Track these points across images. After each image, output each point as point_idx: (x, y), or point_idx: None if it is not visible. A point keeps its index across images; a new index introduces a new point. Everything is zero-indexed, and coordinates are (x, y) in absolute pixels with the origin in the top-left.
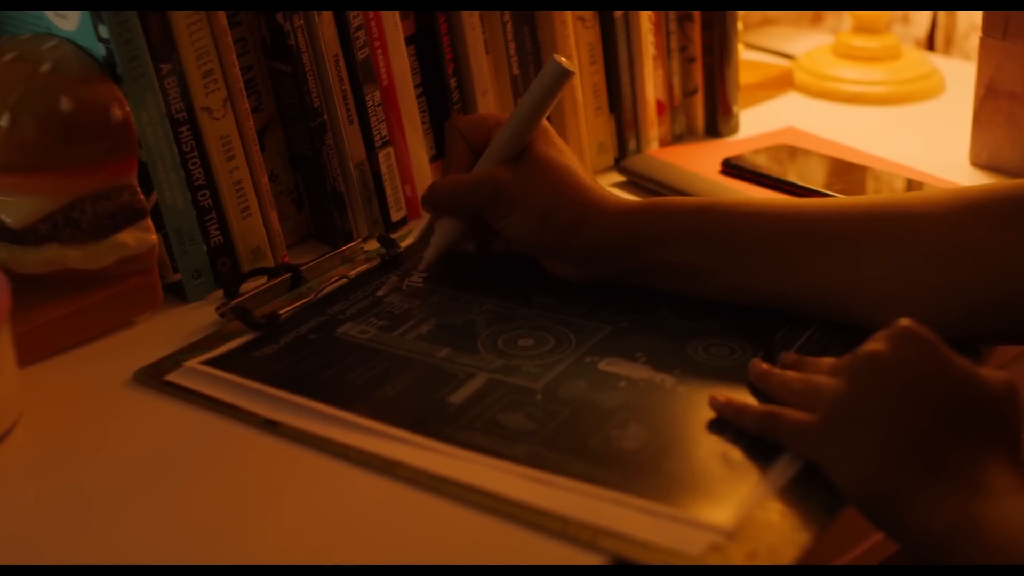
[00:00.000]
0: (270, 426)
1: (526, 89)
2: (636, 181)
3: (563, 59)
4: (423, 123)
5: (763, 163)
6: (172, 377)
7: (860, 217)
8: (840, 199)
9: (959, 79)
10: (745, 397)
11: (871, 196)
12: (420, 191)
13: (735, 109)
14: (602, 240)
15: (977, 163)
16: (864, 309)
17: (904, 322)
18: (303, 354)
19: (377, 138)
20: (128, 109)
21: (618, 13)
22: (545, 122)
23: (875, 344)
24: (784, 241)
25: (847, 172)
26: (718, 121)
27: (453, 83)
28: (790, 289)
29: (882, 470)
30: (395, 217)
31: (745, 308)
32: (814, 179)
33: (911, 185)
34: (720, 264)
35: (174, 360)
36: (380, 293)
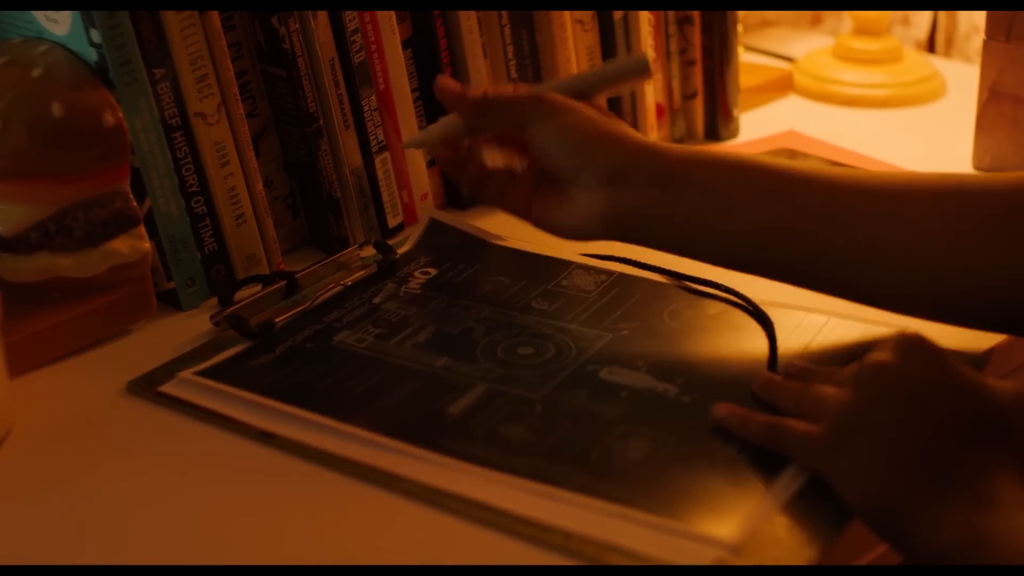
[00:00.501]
0: (266, 438)
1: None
2: None
3: (647, 57)
4: (420, 127)
5: None
6: (166, 388)
7: (912, 182)
8: (887, 171)
9: (961, 82)
10: (749, 407)
11: (915, 172)
12: (417, 197)
13: (735, 113)
14: (638, 157)
15: (980, 167)
16: (912, 276)
17: (910, 332)
18: (299, 364)
19: (373, 143)
20: (121, 115)
21: (617, 15)
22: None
23: (881, 354)
24: (828, 195)
25: None
26: (718, 125)
27: None
28: (828, 243)
29: (889, 483)
30: (392, 223)
31: (750, 315)
32: None
33: None
34: (758, 206)
35: (168, 370)
36: (377, 300)
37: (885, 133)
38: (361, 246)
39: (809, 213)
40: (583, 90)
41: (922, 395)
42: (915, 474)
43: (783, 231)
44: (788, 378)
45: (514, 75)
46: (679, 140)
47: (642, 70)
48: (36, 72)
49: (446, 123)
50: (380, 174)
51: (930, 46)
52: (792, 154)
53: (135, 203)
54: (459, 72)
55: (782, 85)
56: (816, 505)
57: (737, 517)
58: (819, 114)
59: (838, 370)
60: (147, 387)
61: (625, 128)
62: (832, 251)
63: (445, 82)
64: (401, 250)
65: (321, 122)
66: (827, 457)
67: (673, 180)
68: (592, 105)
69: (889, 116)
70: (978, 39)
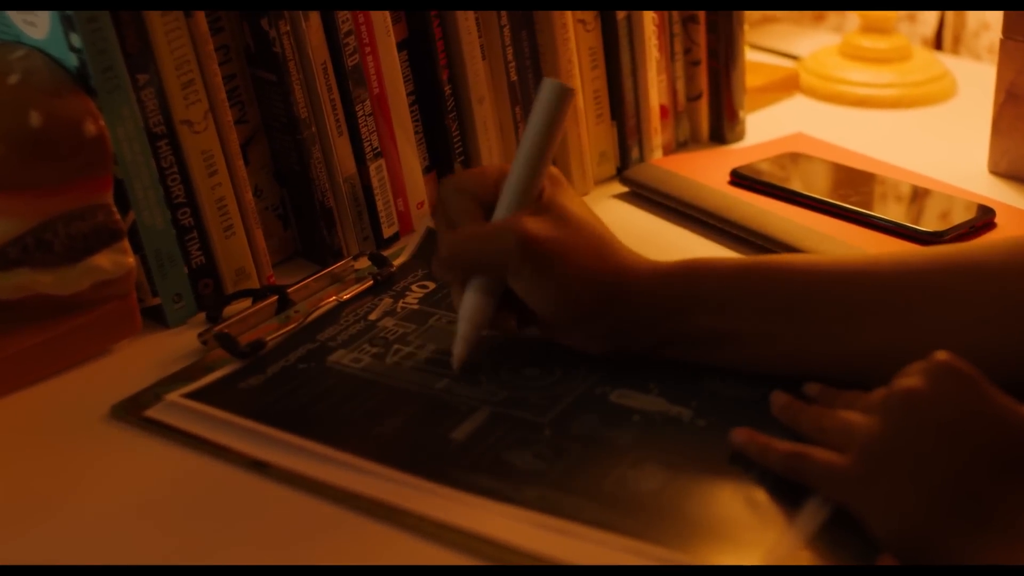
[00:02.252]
0: (259, 467)
1: (526, 111)
2: (640, 192)
3: (554, 79)
4: (416, 133)
5: (774, 173)
6: (152, 412)
7: (919, 271)
8: (892, 253)
9: (971, 81)
10: (768, 432)
11: (925, 248)
12: (413, 205)
13: (741, 115)
14: (643, 304)
15: (996, 171)
16: None
17: (942, 355)
18: (292, 386)
19: (368, 150)
20: (102, 123)
21: (621, 15)
22: (554, 168)
23: (911, 379)
24: (841, 298)
25: (862, 183)
26: (723, 127)
27: (448, 90)
28: (852, 351)
29: (921, 518)
30: (387, 233)
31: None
32: (828, 190)
33: (917, 192)
34: (765, 328)
35: (154, 393)
36: (373, 317)
37: (895, 135)
38: (355, 258)
39: (824, 325)
40: (538, 165)
41: (955, 424)
42: (949, 509)
43: (795, 351)
44: (807, 399)
45: (514, 77)
46: (683, 143)
47: (562, 94)
48: (13, 79)
49: (470, 313)
50: (375, 182)
51: (937, 43)
52: (802, 159)
53: (118, 216)
54: (457, 75)
55: (787, 85)
56: (841, 540)
57: (759, 552)
58: (826, 115)
59: (863, 394)
60: (131, 411)
61: (614, 262)
62: (840, 359)
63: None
64: (397, 262)
65: (313, 128)
66: (854, 489)
67: (668, 322)
68: (574, 219)
69: (899, 117)
70: (987, 36)
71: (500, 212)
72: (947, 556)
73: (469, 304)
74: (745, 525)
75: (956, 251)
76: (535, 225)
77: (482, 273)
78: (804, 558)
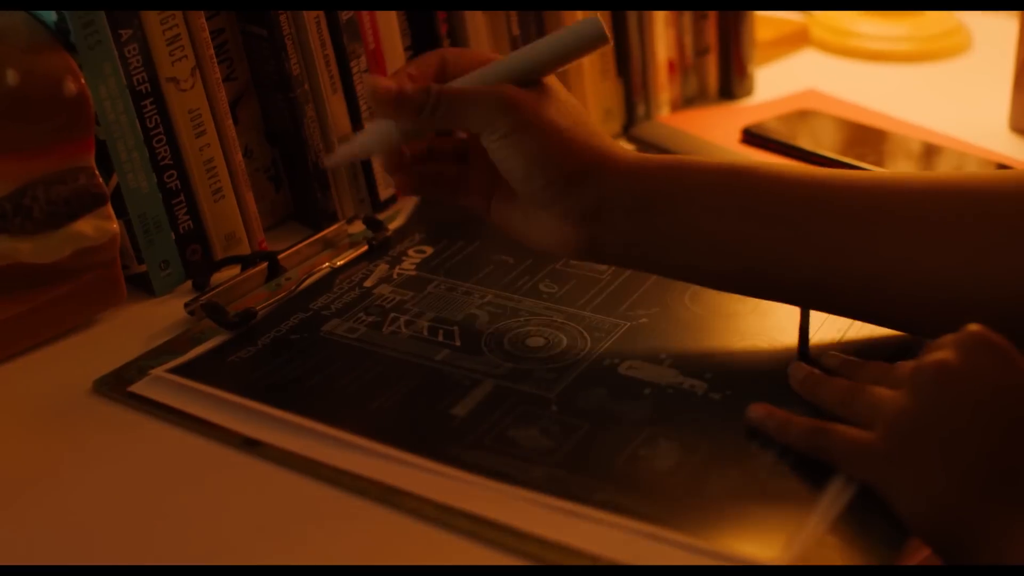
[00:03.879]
0: (251, 446)
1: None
2: (647, 151)
3: (601, 21)
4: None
5: (787, 131)
6: (137, 388)
7: (926, 190)
8: (896, 172)
9: (985, 35)
10: (786, 406)
11: (932, 172)
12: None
13: (750, 69)
14: (617, 191)
15: (1018, 128)
16: (927, 293)
17: (974, 327)
18: (284, 358)
19: (363, 108)
20: (83, 82)
21: None
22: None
23: (943, 352)
24: (834, 209)
25: (878, 141)
26: (732, 82)
27: (447, 44)
28: (839, 267)
29: (952, 498)
30: (383, 195)
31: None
32: (843, 148)
33: (934, 151)
34: (753, 234)
35: (139, 367)
36: (368, 284)
37: (910, 90)
38: (350, 221)
39: (811, 241)
40: (535, 70)
41: (989, 400)
42: (982, 488)
43: (777, 262)
44: (827, 371)
45: (516, 31)
46: (690, 100)
47: (598, 38)
48: None
49: (377, 132)
50: None
51: None
52: (816, 116)
53: (101, 179)
54: (456, 28)
55: (797, 39)
56: (868, 521)
57: (782, 537)
58: (838, 69)
59: (890, 367)
60: (115, 386)
61: (599, 141)
62: (842, 277)
63: (378, 83)
64: (393, 225)
65: (306, 85)
66: (881, 468)
67: (654, 213)
68: (553, 94)
69: (913, 72)
70: None
71: (474, 80)
72: (979, 537)
73: (379, 124)
74: (765, 507)
75: (963, 176)
76: (518, 91)
77: (452, 127)
78: (829, 543)
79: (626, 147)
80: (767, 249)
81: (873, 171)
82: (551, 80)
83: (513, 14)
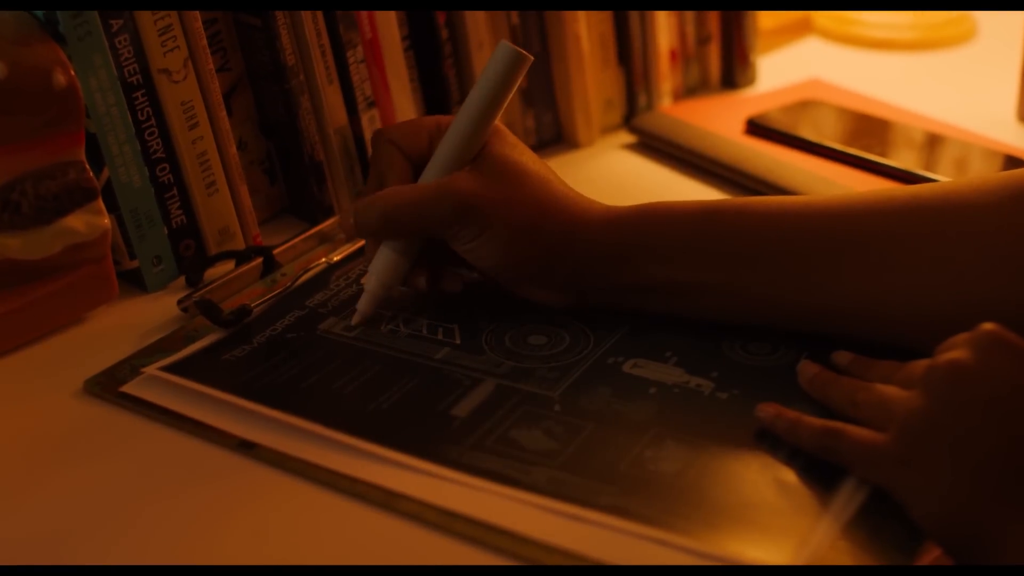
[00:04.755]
0: (246, 448)
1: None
2: (649, 143)
3: (511, 44)
4: (411, 81)
5: (792, 122)
6: (129, 388)
7: (901, 211)
8: (872, 192)
9: (989, 23)
10: (795, 406)
11: (909, 187)
12: None
13: (752, 58)
14: (592, 255)
15: None
16: (912, 320)
17: (988, 326)
18: (280, 357)
19: (360, 99)
20: (73, 73)
21: None
22: (498, 121)
23: (956, 352)
24: (810, 244)
25: (884, 131)
26: (735, 71)
27: (445, 35)
28: (822, 301)
29: (968, 500)
30: None
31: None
32: (849, 139)
33: (941, 141)
34: (733, 277)
35: (131, 365)
36: (365, 280)
37: (915, 79)
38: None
39: (789, 278)
40: (481, 128)
41: (1004, 399)
42: (997, 489)
43: (760, 299)
44: (837, 370)
45: (515, 20)
46: (692, 89)
47: (516, 60)
48: None
49: (383, 270)
50: (367, 133)
51: None
52: (821, 106)
53: (91, 173)
54: (454, 18)
55: (800, 26)
56: (881, 525)
57: (792, 541)
58: (841, 58)
59: (901, 365)
60: (107, 386)
61: (563, 203)
62: (826, 309)
63: (344, 223)
64: None
65: (301, 76)
66: (894, 471)
67: (632, 265)
68: (503, 165)
69: (917, 60)
70: None
71: (433, 171)
72: (995, 540)
73: (382, 262)
74: (775, 511)
75: (941, 190)
76: (470, 184)
77: (415, 236)
78: (841, 548)
79: (634, 158)
80: (747, 288)
81: (854, 193)
82: (500, 142)
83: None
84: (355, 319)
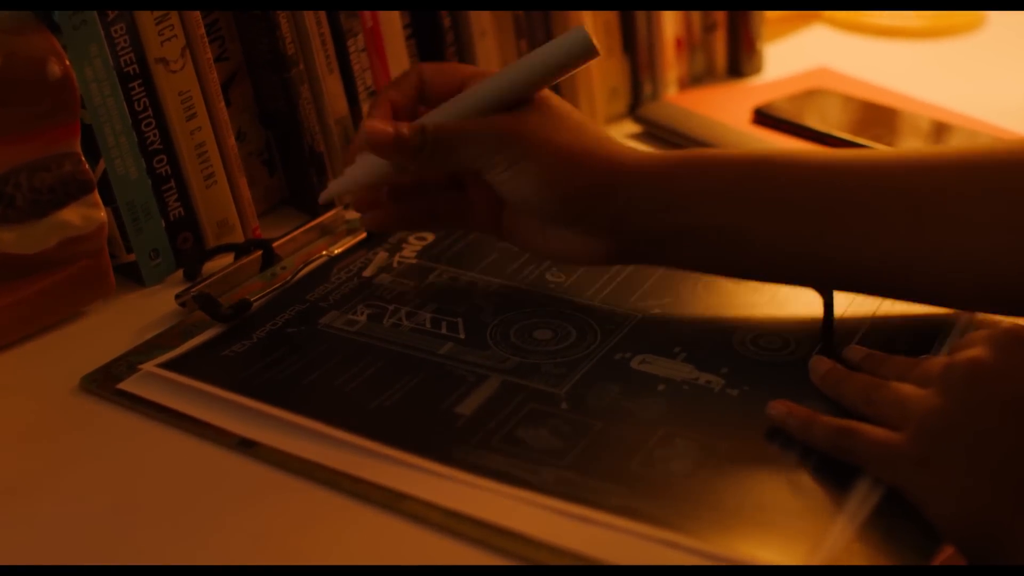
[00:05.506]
0: (246, 447)
1: (532, 45)
2: (655, 132)
3: (588, 32)
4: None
5: (800, 111)
6: (126, 385)
7: (951, 167)
8: (925, 149)
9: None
10: (807, 403)
11: (959, 145)
12: None
13: (759, 46)
14: (636, 196)
15: None
16: (963, 280)
17: (1008, 324)
18: (281, 352)
19: (361, 88)
20: (68, 63)
21: None
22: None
23: (975, 350)
24: (861, 197)
25: (894, 121)
26: (741, 59)
27: (447, 23)
28: (866, 258)
29: (986, 502)
30: None
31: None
32: (858, 129)
33: (952, 131)
34: (777, 227)
35: (128, 362)
36: (367, 273)
37: (924, 68)
38: (347, 207)
39: (837, 229)
40: (523, 90)
41: (1023, 398)
42: (1016, 491)
43: (804, 252)
44: (850, 366)
45: (519, 11)
46: (698, 78)
47: (587, 51)
48: None
49: (371, 166)
50: None
51: None
52: (830, 96)
53: (87, 165)
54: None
55: (807, 14)
56: (897, 527)
57: (806, 543)
58: (849, 46)
59: (916, 362)
60: (103, 383)
61: (608, 148)
62: (872, 263)
63: (374, 127)
64: None
65: (301, 65)
66: (911, 472)
67: (676, 212)
68: (548, 109)
69: (926, 48)
70: None
71: (458, 109)
72: (1015, 543)
73: (373, 158)
74: (788, 512)
75: (987, 150)
76: (510, 119)
77: (450, 167)
78: (855, 550)
79: (640, 147)
80: (793, 239)
81: (897, 150)
82: (542, 92)
83: None
84: (323, 195)
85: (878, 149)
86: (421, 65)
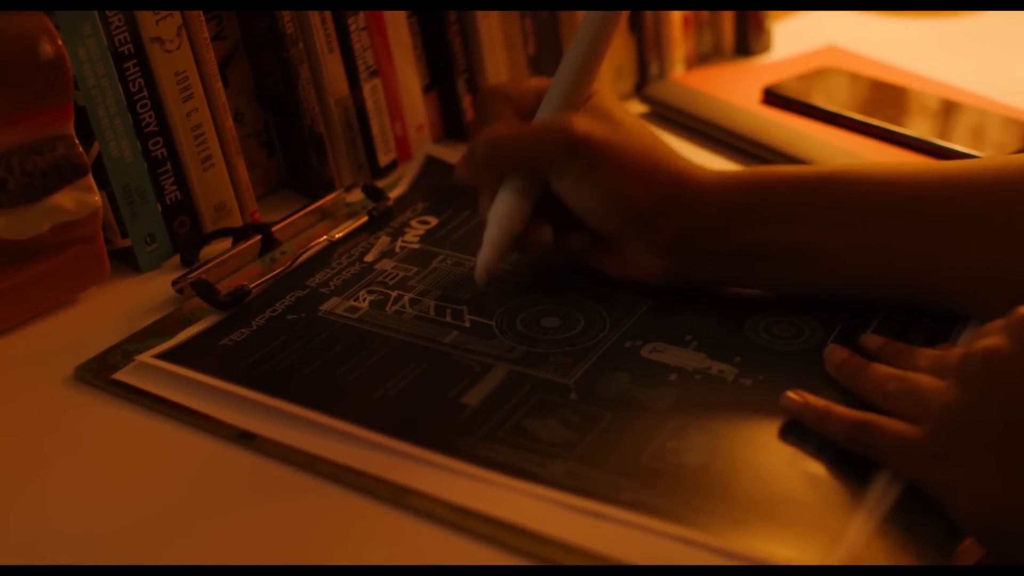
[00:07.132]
0: (245, 439)
1: (536, 23)
2: (662, 112)
3: None
4: (415, 48)
5: (809, 91)
6: (121, 375)
7: (1013, 182)
8: (991, 159)
9: None
10: (822, 393)
11: (1016, 157)
12: (412, 128)
13: (767, 24)
14: (701, 214)
15: None
16: None
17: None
18: (280, 341)
19: (362, 68)
20: (61, 43)
21: None
22: (601, 83)
23: (992, 339)
24: (922, 217)
25: (907, 101)
26: (749, 38)
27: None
28: (927, 274)
29: (1007, 496)
30: (383, 161)
31: None
32: (871, 109)
33: (967, 111)
34: (845, 242)
35: (123, 351)
36: (369, 258)
37: (934, 46)
38: (348, 189)
39: (899, 248)
40: (586, 74)
41: None
42: None
43: (865, 270)
44: (866, 355)
45: None
46: (706, 56)
47: (613, 16)
48: None
49: (502, 217)
50: (370, 104)
51: None
52: (841, 75)
53: (81, 148)
54: None
55: None
56: (916, 522)
57: (824, 539)
58: (858, 23)
59: (933, 353)
60: (98, 373)
61: (673, 163)
62: (934, 280)
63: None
64: (394, 193)
65: (300, 45)
66: (930, 465)
67: (739, 231)
68: (615, 117)
69: (936, 26)
70: None
71: (543, 113)
72: None
73: (502, 205)
74: (805, 507)
75: None
76: (584, 123)
77: (522, 172)
78: (876, 546)
79: (706, 167)
80: (854, 257)
81: (957, 162)
82: (607, 99)
83: None
84: (478, 273)
85: (942, 162)
86: (495, 87)
